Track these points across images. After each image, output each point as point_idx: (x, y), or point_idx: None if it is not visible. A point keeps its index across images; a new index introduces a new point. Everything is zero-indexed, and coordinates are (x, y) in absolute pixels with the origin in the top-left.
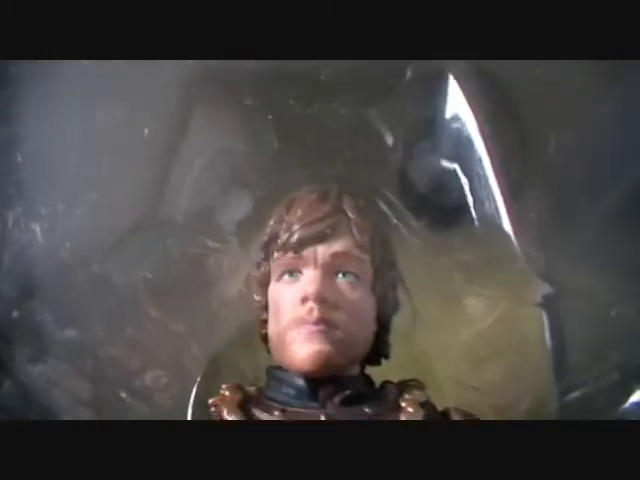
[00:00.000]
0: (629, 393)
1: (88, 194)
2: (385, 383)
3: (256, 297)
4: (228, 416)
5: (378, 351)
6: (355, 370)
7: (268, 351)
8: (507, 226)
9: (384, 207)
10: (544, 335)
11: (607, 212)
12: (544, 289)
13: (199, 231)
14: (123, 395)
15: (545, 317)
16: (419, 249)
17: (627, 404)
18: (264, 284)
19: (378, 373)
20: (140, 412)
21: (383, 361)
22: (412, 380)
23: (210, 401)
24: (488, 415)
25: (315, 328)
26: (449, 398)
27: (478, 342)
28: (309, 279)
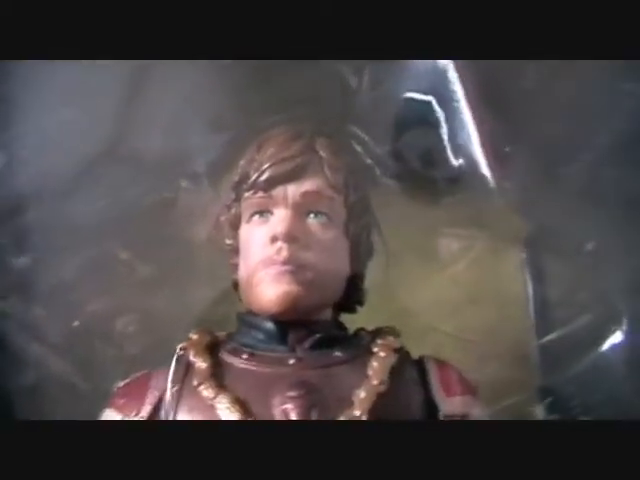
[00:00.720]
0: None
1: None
2: (359, 330)
3: (227, 240)
4: (195, 359)
5: (352, 297)
6: (327, 314)
7: (240, 298)
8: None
9: (358, 148)
10: (524, 276)
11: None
12: (521, 226)
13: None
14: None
15: (524, 257)
16: (395, 191)
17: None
18: (235, 226)
19: (350, 319)
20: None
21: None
22: (387, 327)
23: (179, 346)
24: (466, 361)
25: (283, 268)
26: (427, 345)
27: (455, 286)
28: (279, 218)
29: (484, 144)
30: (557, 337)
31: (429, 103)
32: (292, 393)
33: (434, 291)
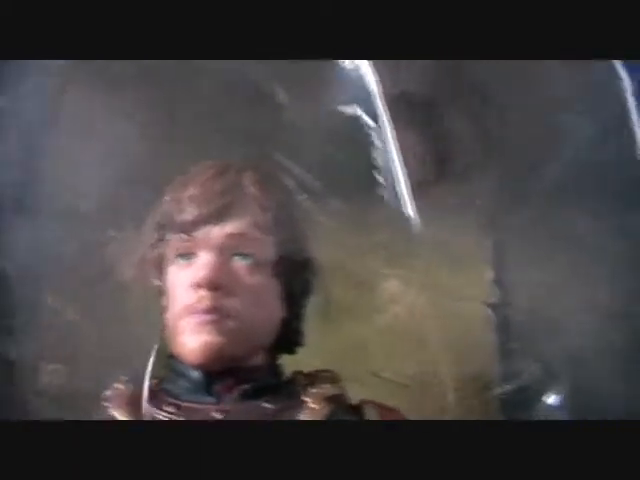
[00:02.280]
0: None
1: None
2: (297, 374)
3: (155, 281)
4: (115, 412)
5: (289, 339)
6: (258, 360)
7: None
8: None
9: (290, 182)
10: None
11: None
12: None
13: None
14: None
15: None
16: (332, 228)
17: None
18: (159, 266)
19: (292, 363)
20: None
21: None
22: (326, 371)
23: (103, 394)
24: (404, 406)
25: (205, 317)
26: (367, 390)
27: (394, 330)
28: (202, 263)
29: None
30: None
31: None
32: None
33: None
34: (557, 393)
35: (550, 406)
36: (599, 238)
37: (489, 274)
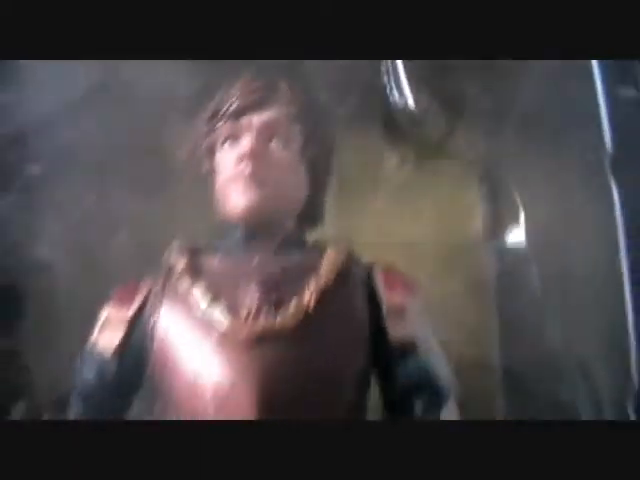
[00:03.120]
0: None
1: None
2: (316, 241)
3: (205, 165)
4: (174, 261)
5: (312, 213)
6: (289, 225)
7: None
8: None
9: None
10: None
11: None
12: None
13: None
14: None
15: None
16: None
17: None
18: (211, 151)
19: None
20: None
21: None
22: (339, 238)
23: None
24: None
25: (248, 181)
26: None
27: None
28: (245, 142)
29: None
30: None
31: None
32: (255, 287)
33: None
34: None
35: None
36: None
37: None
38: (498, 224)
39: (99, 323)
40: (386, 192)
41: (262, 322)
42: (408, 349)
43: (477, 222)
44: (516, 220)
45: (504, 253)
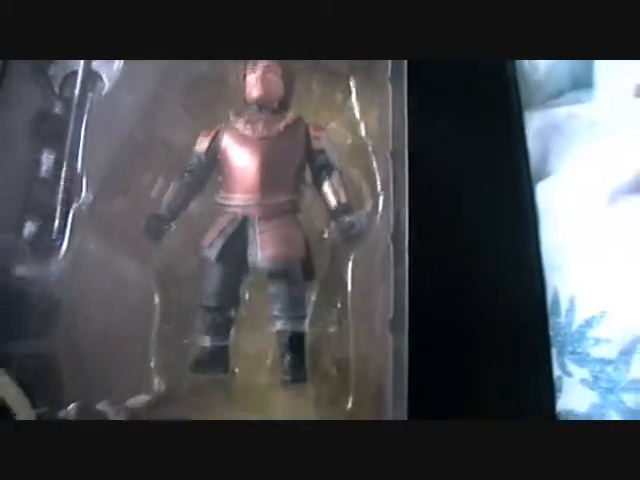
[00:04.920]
0: None
1: None
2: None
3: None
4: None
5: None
6: (275, 106)
7: None
8: None
9: None
10: None
11: None
12: None
13: None
14: None
15: None
16: None
17: None
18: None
19: None
20: None
21: None
22: None
23: None
24: None
25: (259, 84)
26: None
27: None
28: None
29: None
30: None
31: None
32: (262, 123)
33: None
34: None
35: None
36: None
37: None
38: None
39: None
40: None
41: (265, 132)
42: (320, 152)
43: None
44: None
45: None
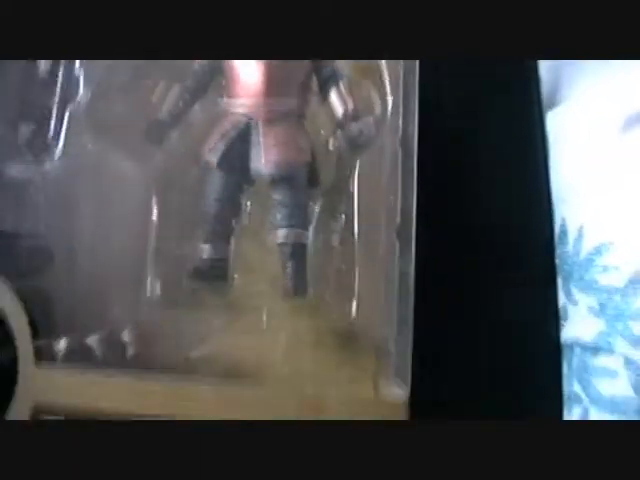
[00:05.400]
0: None
1: None
2: None
3: None
4: None
5: None
6: None
7: None
8: None
9: None
10: None
11: None
12: None
13: None
14: None
15: None
16: None
17: None
18: None
19: None
20: None
21: None
22: None
23: None
24: None
25: None
26: None
27: None
28: None
29: None
30: None
31: None
32: None
33: None
34: None
35: None
36: None
37: None
38: None
39: None
40: None
41: None
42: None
43: None
44: None
45: None
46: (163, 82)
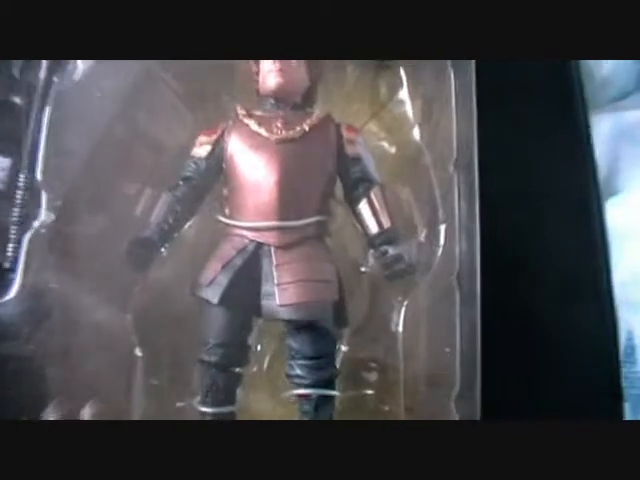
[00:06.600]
0: None
1: None
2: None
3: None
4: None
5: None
6: (298, 99)
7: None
8: None
9: None
10: None
11: None
12: None
13: None
14: None
15: None
16: None
17: None
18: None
19: None
20: None
21: None
22: None
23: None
24: None
25: (277, 74)
26: None
27: None
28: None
29: None
30: None
31: None
32: (280, 121)
33: None
34: None
35: None
36: None
37: None
38: None
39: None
40: None
41: (284, 133)
42: (355, 161)
43: None
44: None
45: None
46: (148, 189)
